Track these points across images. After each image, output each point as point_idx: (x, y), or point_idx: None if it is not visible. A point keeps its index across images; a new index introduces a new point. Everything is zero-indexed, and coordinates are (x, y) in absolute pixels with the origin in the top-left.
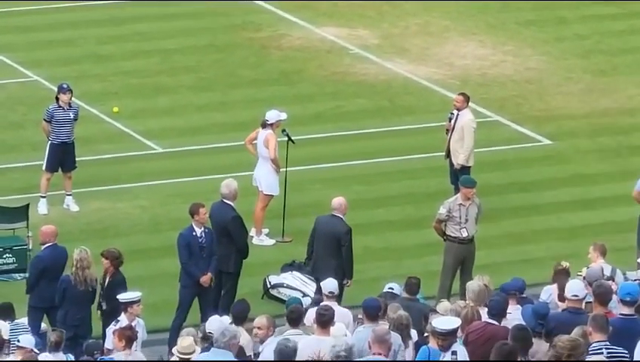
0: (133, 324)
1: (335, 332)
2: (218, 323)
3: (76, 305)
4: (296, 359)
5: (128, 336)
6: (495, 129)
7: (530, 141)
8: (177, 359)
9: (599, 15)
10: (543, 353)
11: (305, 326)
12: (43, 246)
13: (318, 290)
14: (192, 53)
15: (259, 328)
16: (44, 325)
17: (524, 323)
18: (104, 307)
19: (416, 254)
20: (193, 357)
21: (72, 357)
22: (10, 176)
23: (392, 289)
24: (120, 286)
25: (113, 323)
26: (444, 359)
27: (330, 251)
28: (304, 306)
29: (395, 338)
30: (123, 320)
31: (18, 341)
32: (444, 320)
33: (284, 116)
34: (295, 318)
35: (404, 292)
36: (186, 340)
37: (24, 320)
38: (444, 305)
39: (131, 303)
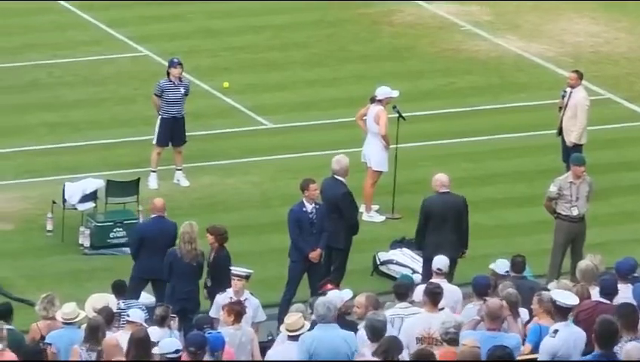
0: (242, 299)
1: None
2: (337, 298)
3: (183, 279)
4: (407, 335)
5: (237, 311)
6: (607, 107)
7: None
8: (285, 335)
9: None
10: None
11: (413, 302)
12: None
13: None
14: (302, 29)
15: (357, 306)
16: (152, 299)
17: (634, 302)
18: (209, 284)
19: (527, 232)
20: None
21: (176, 334)
22: (121, 150)
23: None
24: (224, 263)
25: (221, 292)
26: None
27: (450, 228)
28: (414, 283)
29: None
30: (229, 292)
31: (128, 315)
32: (566, 295)
33: (395, 94)
34: (402, 292)
35: (511, 271)
36: (292, 316)
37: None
38: (555, 284)
39: (235, 275)
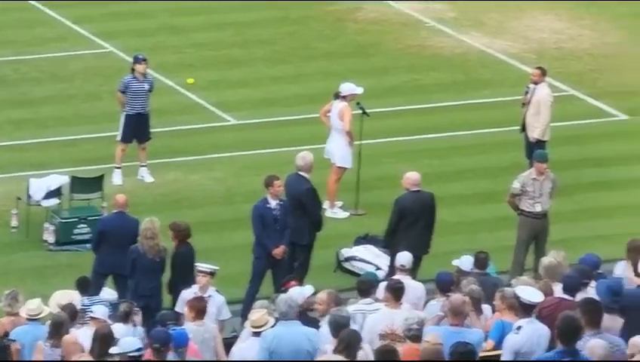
0: (207, 296)
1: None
2: (299, 295)
3: (146, 275)
4: (369, 331)
5: (198, 308)
6: (571, 103)
7: (606, 116)
8: (250, 332)
9: None
10: (617, 329)
11: (377, 299)
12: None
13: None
14: (266, 26)
15: (319, 303)
16: (115, 295)
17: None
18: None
19: (490, 228)
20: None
21: (140, 331)
22: (85, 146)
23: (458, 265)
24: (183, 259)
25: (186, 288)
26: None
27: (421, 226)
28: (378, 280)
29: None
30: (194, 288)
31: (92, 311)
32: (530, 291)
33: (359, 90)
34: (365, 289)
35: (474, 267)
36: (257, 313)
37: (101, 293)
38: (518, 280)
39: (199, 271)
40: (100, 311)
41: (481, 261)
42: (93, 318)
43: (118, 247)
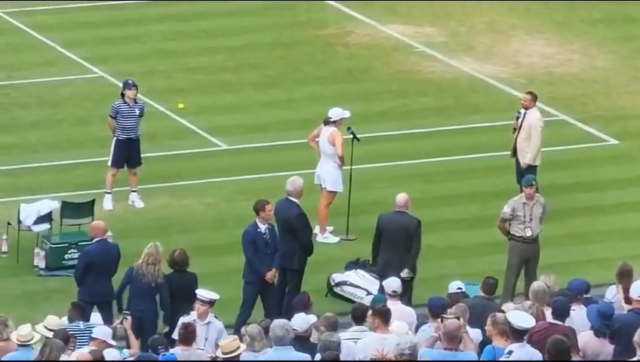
0: (205, 323)
1: (397, 331)
2: (303, 321)
3: (137, 297)
4: (361, 356)
5: (185, 334)
6: (561, 128)
7: (597, 141)
8: (222, 359)
9: None
10: (607, 353)
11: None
12: (93, 241)
13: (381, 289)
14: (257, 50)
15: (315, 328)
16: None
17: (589, 323)
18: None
19: (480, 253)
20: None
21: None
22: (76, 171)
23: (461, 288)
24: (179, 288)
25: (185, 314)
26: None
27: (401, 248)
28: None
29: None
30: (193, 314)
31: (92, 332)
32: (522, 317)
33: (347, 114)
34: (359, 316)
35: (480, 291)
36: (227, 340)
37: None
38: (509, 305)
39: (198, 299)
40: (102, 332)
41: (489, 286)
42: (93, 338)
43: (103, 274)
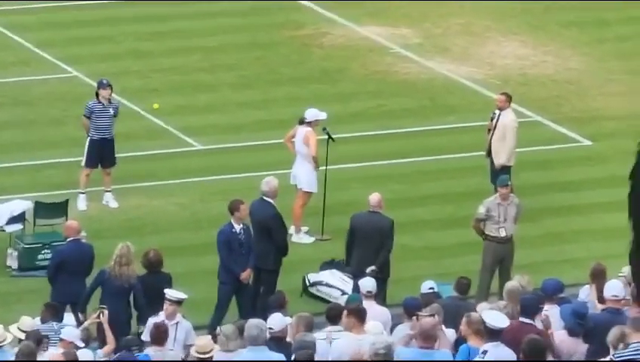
0: (173, 323)
1: (372, 330)
2: (280, 321)
3: (110, 298)
4: (336, 357)
5: (156, 334)
6: (535, 129)
7: (571, 141)
8: (196, 359)
9: None
10: (581, 353)
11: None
12: (66, 241)
13: (356, 288)
14: (232, 51)
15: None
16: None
17: (563, 322)
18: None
19: (455, 253)
20: (215, 357)
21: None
22: (49, 171)
23: (433, 288)
24: (152, 288)
25: (154, 315)
26: (476, 358)
27: (375, 247)
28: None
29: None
30: (162, 315)
31: (61, 334)
32: (496, 316)
33: (323, 116)
34: (334, 315)
35: (453, 291)
36: (202, 339)
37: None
38: (483, 305)
39: (167, 299)
40: (70, 333)
41: (462, 286)
42: (61, 339)
43: (76, 275)
